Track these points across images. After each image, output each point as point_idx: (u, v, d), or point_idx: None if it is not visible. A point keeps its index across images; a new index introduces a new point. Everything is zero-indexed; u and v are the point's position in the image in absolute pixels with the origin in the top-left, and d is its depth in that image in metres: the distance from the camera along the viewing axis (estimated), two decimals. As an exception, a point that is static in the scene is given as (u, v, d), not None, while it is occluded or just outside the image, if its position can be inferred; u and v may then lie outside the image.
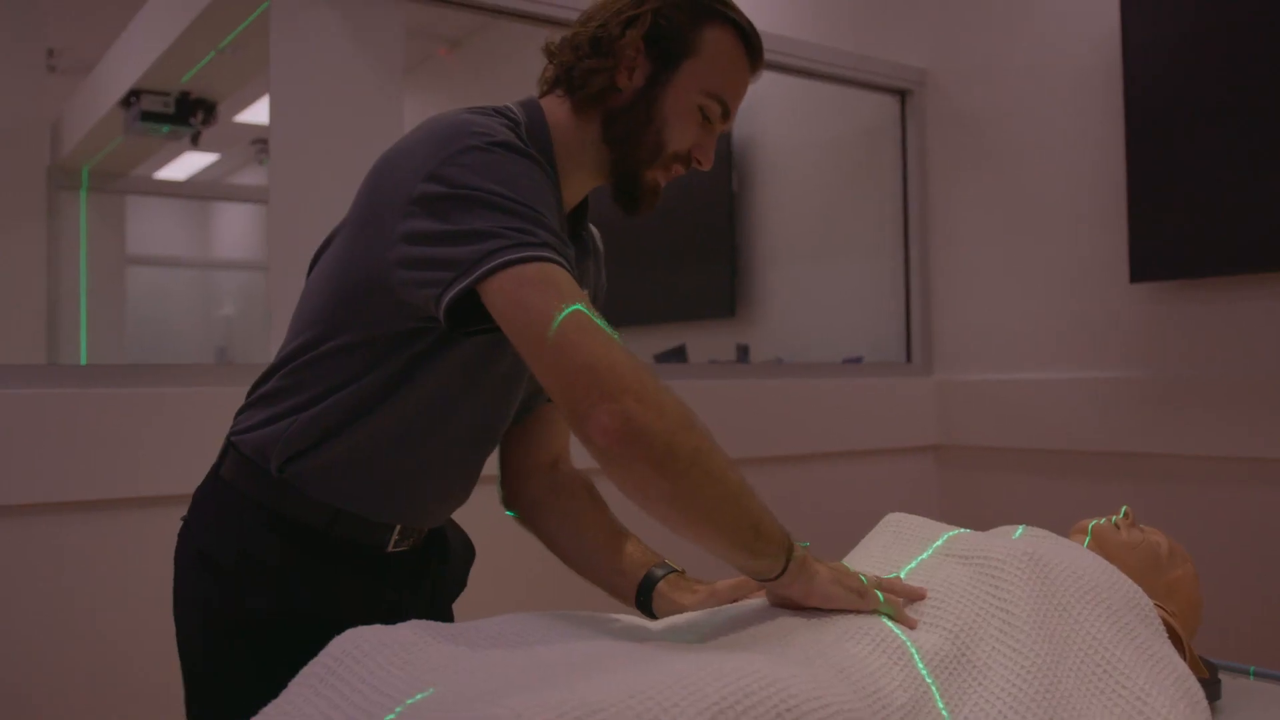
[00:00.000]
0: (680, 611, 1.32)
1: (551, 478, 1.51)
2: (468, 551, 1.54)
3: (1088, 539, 1.52)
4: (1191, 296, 2.74)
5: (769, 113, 3.95)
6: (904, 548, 1.35)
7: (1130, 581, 1.34)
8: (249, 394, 1.35)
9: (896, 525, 1.41)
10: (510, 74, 5.15)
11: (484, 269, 1.08)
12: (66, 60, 5.77)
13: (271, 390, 1.30)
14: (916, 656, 1.15)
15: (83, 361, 5.30)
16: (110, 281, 5.82)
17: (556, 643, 1.10)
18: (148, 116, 4.41)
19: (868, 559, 1.36)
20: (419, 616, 1.35)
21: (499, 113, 1.26)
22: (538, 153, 1.23)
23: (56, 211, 5.48)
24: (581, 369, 1.05)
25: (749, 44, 1.35)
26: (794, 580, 1.15)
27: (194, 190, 7.01)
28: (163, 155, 6.65)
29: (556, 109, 1.32)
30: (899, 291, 3.43)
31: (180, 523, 1.38)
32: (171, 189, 7.29)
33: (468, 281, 1.08)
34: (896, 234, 3.43)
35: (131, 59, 4.45)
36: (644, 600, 1.39)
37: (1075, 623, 1.24)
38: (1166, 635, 1.32)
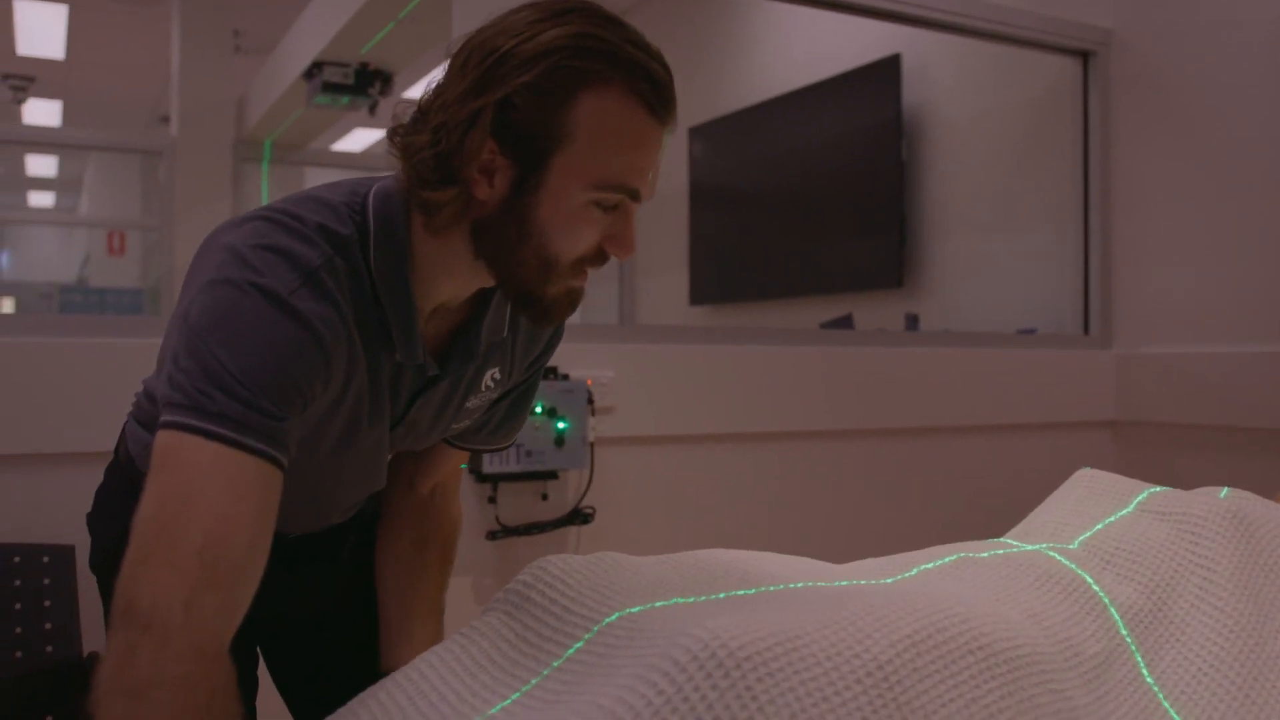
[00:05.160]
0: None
1: (407, 497, 1.38)
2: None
3: (1294, 505, 1.44)
4: (1403, 265, 2.56)
5: (941, 78, 3.85)
6: (1099, 503, 1.31)
7: (1345, 547, 1.27)
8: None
9: (1090, 481, 1.37)
10: (678, 43, 5.16)
11: (162, 420, 0.96)
12: (250, 40, 6.04)
13: None
14: (1112, 608, 1.12)
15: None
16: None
17: (747, 575, 1.11)
18: (328, 87, 4.58)
19: (1060, 513, 1.32)
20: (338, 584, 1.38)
21: (323, 231, 1.04)
22: (390, 263, 1.06)
23: (241, 183, 5.76)
24: (123, 579, 0.92)
25: (649, 95, 1.00)
26: None
27: (368, 161, 7.24)
28: (337, 129, 6.91)
29: (418, 213, 1.07)
30: (1077, 262, 3.30)
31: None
32: (347, 160, 7.55)
33: (159, 424, 0.97)
34: (1075, 202, 3.30)
35: (314, 32, 4.62)
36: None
37: (1284, 585, 1.18)
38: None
